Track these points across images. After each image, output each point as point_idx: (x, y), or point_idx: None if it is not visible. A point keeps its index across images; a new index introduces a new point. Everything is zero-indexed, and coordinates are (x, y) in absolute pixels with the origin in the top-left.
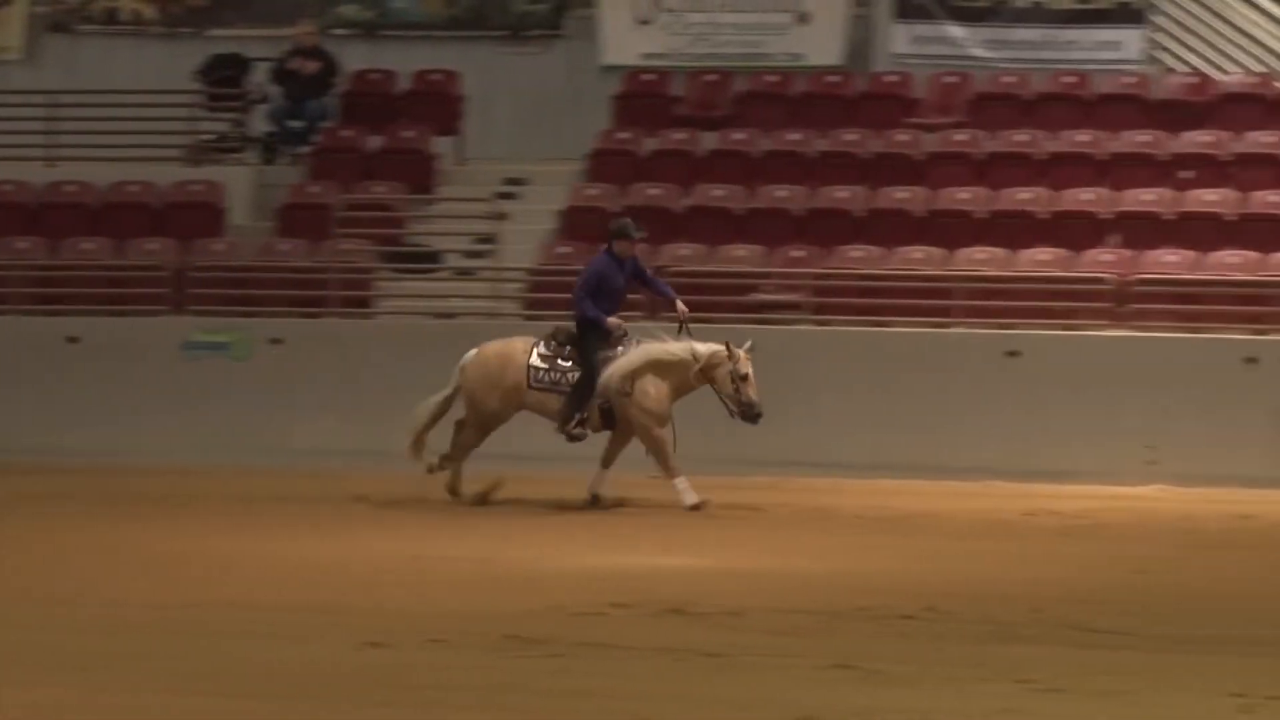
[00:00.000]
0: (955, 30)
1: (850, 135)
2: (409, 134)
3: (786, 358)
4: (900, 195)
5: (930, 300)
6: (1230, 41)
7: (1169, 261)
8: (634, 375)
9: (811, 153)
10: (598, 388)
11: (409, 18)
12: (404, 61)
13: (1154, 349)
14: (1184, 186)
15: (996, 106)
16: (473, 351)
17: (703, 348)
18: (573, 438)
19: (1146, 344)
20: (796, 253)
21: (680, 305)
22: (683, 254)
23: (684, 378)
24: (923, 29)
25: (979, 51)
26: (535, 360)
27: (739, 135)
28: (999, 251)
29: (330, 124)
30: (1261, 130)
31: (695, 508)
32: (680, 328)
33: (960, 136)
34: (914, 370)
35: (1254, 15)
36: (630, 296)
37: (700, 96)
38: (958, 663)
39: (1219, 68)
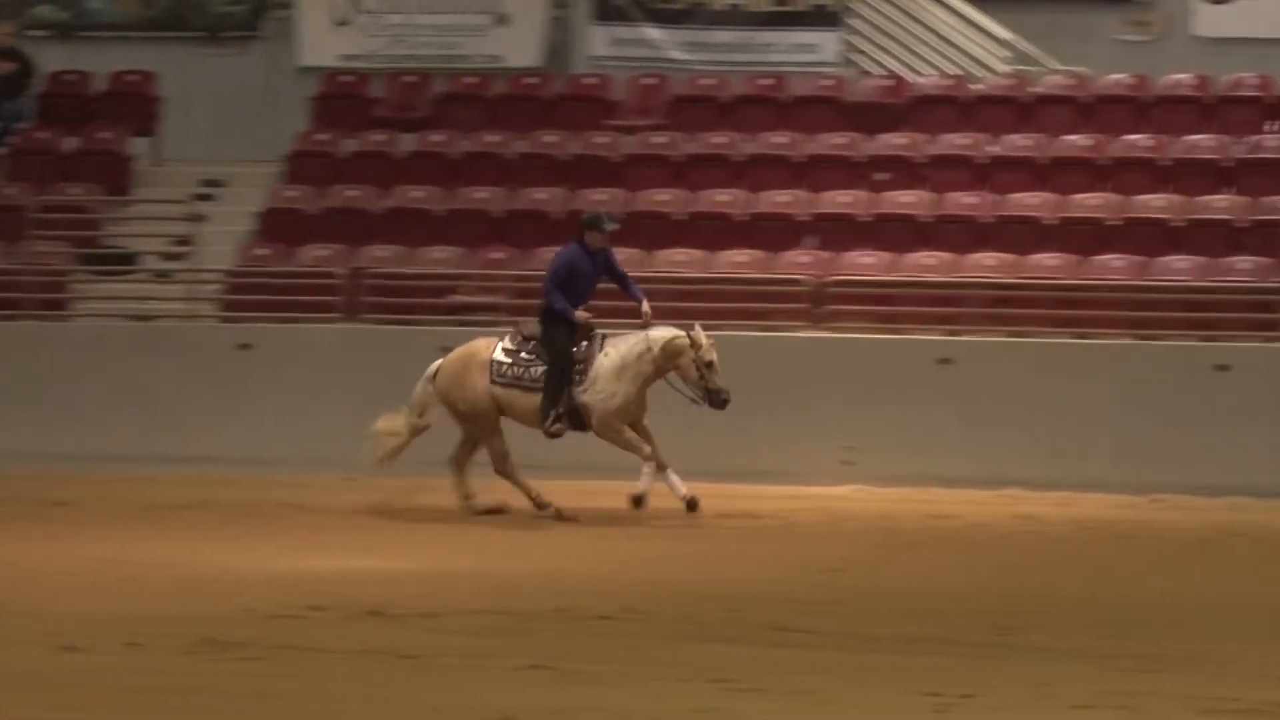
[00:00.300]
0: (653, 32)
1: (549, 137)
2: (105, 135)
3: None
4: (599, 197)
5: (629, 302)
6: (925, 44)
7: (865, 263)
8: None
9: (510, 154)
10: (577, 401)
11: (105, 19)
12: (101, 62)
13: (850, 350)
14: (880, 188)
15: (694, 108)
16: (436, 363)
17: (657, 334)
18: (552, 435)
19: (843, 345)
20: (496, 254)
21: (645, 307)
22: (381, 256)
23: (649, 372)
24: (621, 31)
25: (677, 54)
26: (498, 355)
27: (438, 137)
28: (697, 253)
29: (26, 125)
30: (956, 133)
31: (690, 504)
32: (643, 326)
33: (658, 138)
34: None
35: (948, 17)
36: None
37: (399, 98)
38: (655, 662)
39: (914, 70)
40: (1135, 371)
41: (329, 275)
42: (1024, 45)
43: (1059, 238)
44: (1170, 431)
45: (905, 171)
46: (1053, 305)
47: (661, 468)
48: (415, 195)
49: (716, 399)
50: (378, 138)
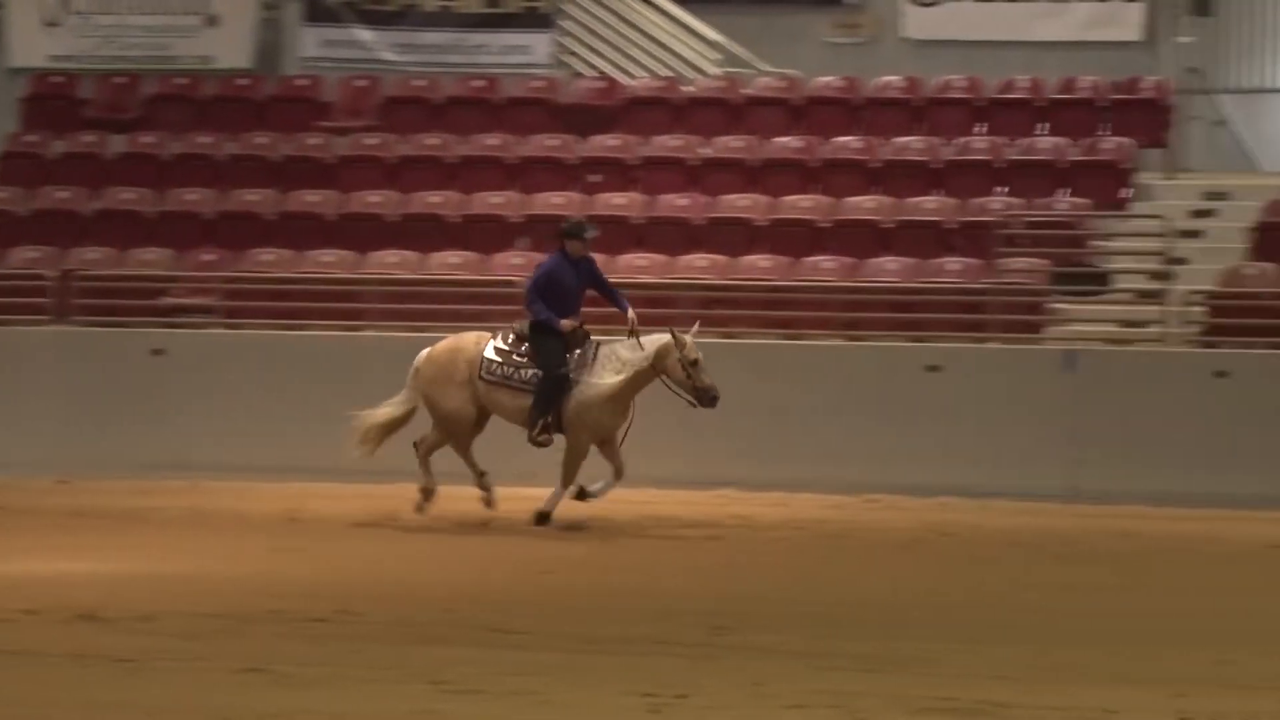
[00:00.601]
0: (364, 34)
1: (261, 138)
2: None
3: (198, 361)
4: (311, 199)
5: (343, 304)
6: (636, 46)
7: None
8: (616, 399)
9: (222, 156)
10: (581, 404)
11: None
12: None
13: None
14: (592, 190)
15: (406, 110)
16: (424, 352)
17: (650, 342)
18: (539, 444)
19: None
20: (207, 256)
21: (631, 314)
22: (92, 257)
23: (641, 381)
24: (332, 33)
25: (388, 55)
26: (489, 353)
27: (148, 138)
28: (410, 254)
29: None
30: (668, 134)
31: (540, 519)
32: (629, 334)
33: (371, 140)
34: (327, 374)
35: (659, 20)
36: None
37: (109, 99)
38: (372, 665)
39: (626, 72)
40: (847, 372)
41: (39, 277)
42: (734, 47)
43: (770, 239)
44: (882, 432)
45: (617, 173)
46: (764, 306)
47: (566, 486)
48: (126, 197)
49: (706, 397)
50: (88, 139)
